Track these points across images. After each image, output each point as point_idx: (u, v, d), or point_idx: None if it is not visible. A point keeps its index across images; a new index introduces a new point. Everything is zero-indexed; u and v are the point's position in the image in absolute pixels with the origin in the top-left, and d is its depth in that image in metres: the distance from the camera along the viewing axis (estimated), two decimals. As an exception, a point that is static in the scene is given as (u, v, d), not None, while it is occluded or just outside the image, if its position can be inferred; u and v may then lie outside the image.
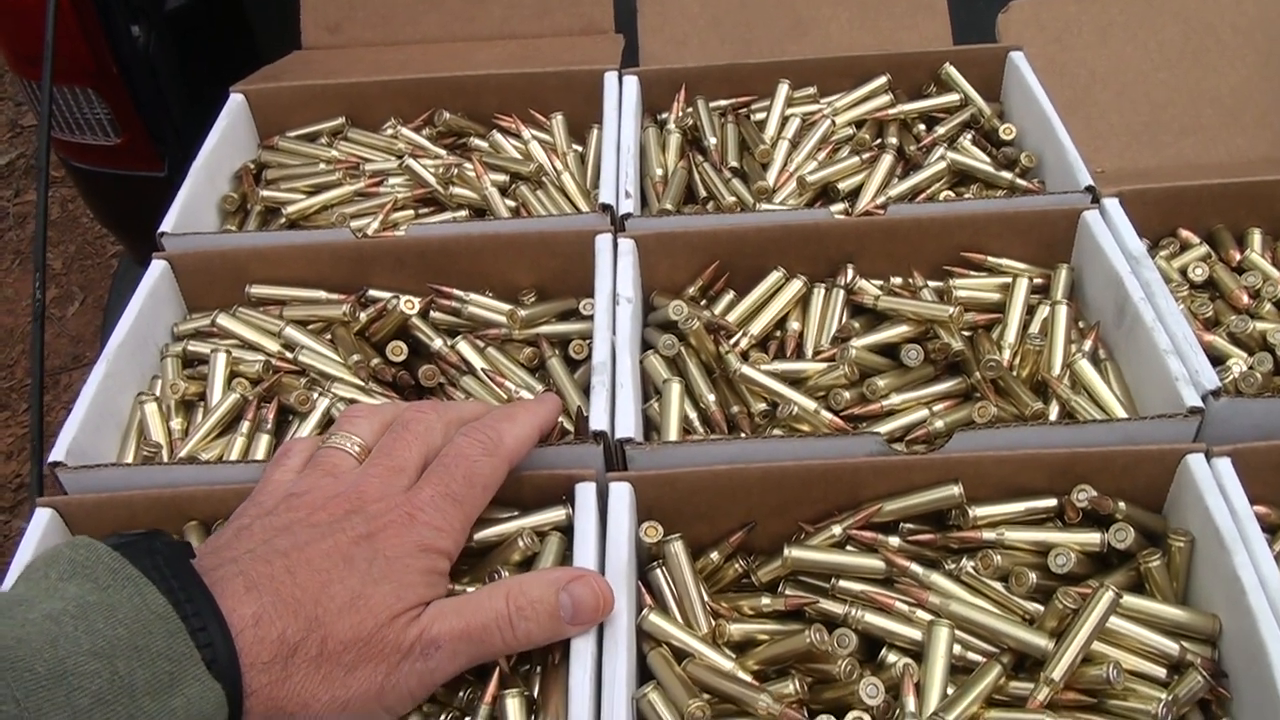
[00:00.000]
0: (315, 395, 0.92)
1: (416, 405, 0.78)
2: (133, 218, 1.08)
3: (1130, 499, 0.81)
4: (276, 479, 0.73)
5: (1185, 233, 1.05)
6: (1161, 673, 0.74)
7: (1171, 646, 0.74)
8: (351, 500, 0.69)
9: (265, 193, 1.15)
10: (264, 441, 0.91)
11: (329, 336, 1.00)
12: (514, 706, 0.69)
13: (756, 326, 0.98)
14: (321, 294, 1.03)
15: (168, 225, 1.05)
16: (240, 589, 0.62)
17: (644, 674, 0.76)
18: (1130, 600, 0.75)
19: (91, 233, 2.97)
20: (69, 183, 2.91)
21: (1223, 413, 0.81)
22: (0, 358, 2.73)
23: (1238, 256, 1.03)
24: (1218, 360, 0.92)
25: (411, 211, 1.14)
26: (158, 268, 1.02)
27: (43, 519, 0.82)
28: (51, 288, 2.85)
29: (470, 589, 0.72)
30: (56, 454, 0.85)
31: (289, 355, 0.97)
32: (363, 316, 1.00)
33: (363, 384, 0.95)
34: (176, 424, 0.94)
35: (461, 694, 0.72)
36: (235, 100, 1.23)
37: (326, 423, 0.92)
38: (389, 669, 0.64)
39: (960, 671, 0.74)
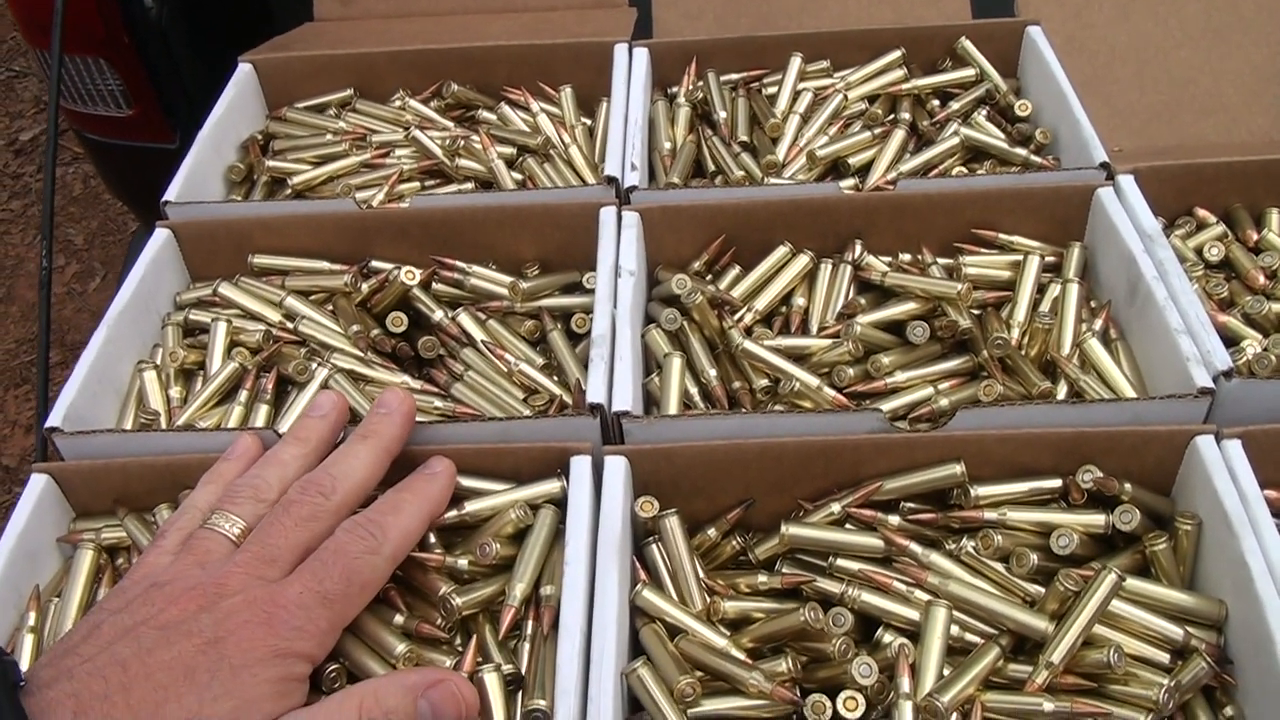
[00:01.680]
0: (314, 365, 0.92)
1: (308, 479, 0.71)
2: (145, 190, 1.08)
3: (1137, 481, 0.79)
4: (149, 562, 0.68)
5: (1202, 212, 1.03)
6: (1165, 658, 0.73)
7: (1176, 631, 0.73)
8: (208, 594, 0.62)
9: (271, 163, 1.15)
10: (262, 411, 0.91)
11: (331, 307, 0.99)
12: (491, 682, 0.68)
13: (761, 302, 0.96)
14: (324, 264, 1.02)
15: (172, 194, 1.04)
16: (69, 715, 0.56)
17: (636, 650, 0.75)
18: (1134, 583, 0.74)
19: (114, 209, 2.97)
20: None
21: (1234, 394, 0.80)
22: (23, 332, 2.75)
23: (1255, 236, 1.00)
24: (1232, 341, 0.90)
25: (417, 183, 1.13)
26: (161, 236, 1.01)
27: (38, 484, 0.82)
28: (73, 263, 2.87)
29: (324, 696, 0.65)
30: (54, 419, 0.84)
31: (289, 325, 0.96)
32: (364, 287, 0.99)
33: (362, 355, 0.94)
34: (175, 392, 0.94)
35: (448, 663, 0.72)
36: (243, 70, 1.22)
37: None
38: None
39: (958, 653, 0.73)
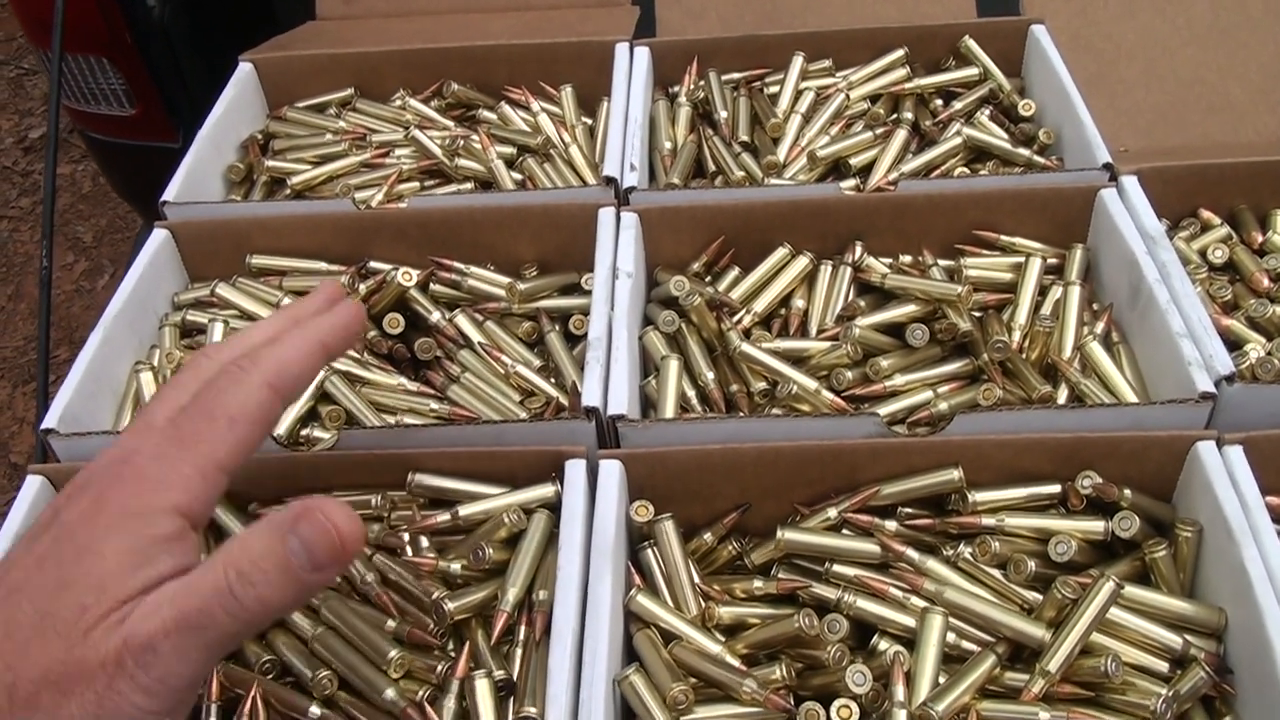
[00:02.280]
0: (310, 367, 0.91)
1: (227, 355, 0.61)
2: (148, 188, 1.07)
3: (1138, 487, 0.78)
4: None
5: (1206, 213, 1.01)
6: (1164, 667, 0.72)
7: (1175, 640, 0.72)
8: (72, 486, 0.55)
9: (271, 163, 1.14)
10: (258, 413, 0.90)
11: (328, 308, 0.98)
12: (482, 688, 0.67)
13: (760, 304, 0.95)
14: (322, 265, 1.02)
15: (170, 194, 1.04)
16: None
17: (630, 656, 0.75)
18: (1132, 591, 0.73)
19: (123, 206, 2.98)
20: (100, 155, 2.92)
21: (1237, 399, 0.79)
22: (32, 329, 2.75)
23: (1260, 239, 0.99)
24: (1235, 345, 0.89)
25: (417, 183, 1.13)
26: (159, 236, 1.01)
27: (34, 486, 0.81)
28: (82, 260, 2.87)
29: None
30: (49, 421, 0.84)
31: (286, 326, 0.96)
32: (362, 288, 0.98)
33: (359, 356, 0.94)
34: (172, 394, 0.94)
35: (440, 668, 0.71)
36: (244, 69, 1.22)
37: (321, 395, 0.91)
38: (99, 696, 0.49)
39: (954, 661, 0.72)
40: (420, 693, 0.70)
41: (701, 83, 1.17)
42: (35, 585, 0.51)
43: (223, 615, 0.50)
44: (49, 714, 0.48)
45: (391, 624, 0.74)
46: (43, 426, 0.84)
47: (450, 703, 0.70)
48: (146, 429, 0.56)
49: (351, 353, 0.94)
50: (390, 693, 0.69)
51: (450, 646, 0.76)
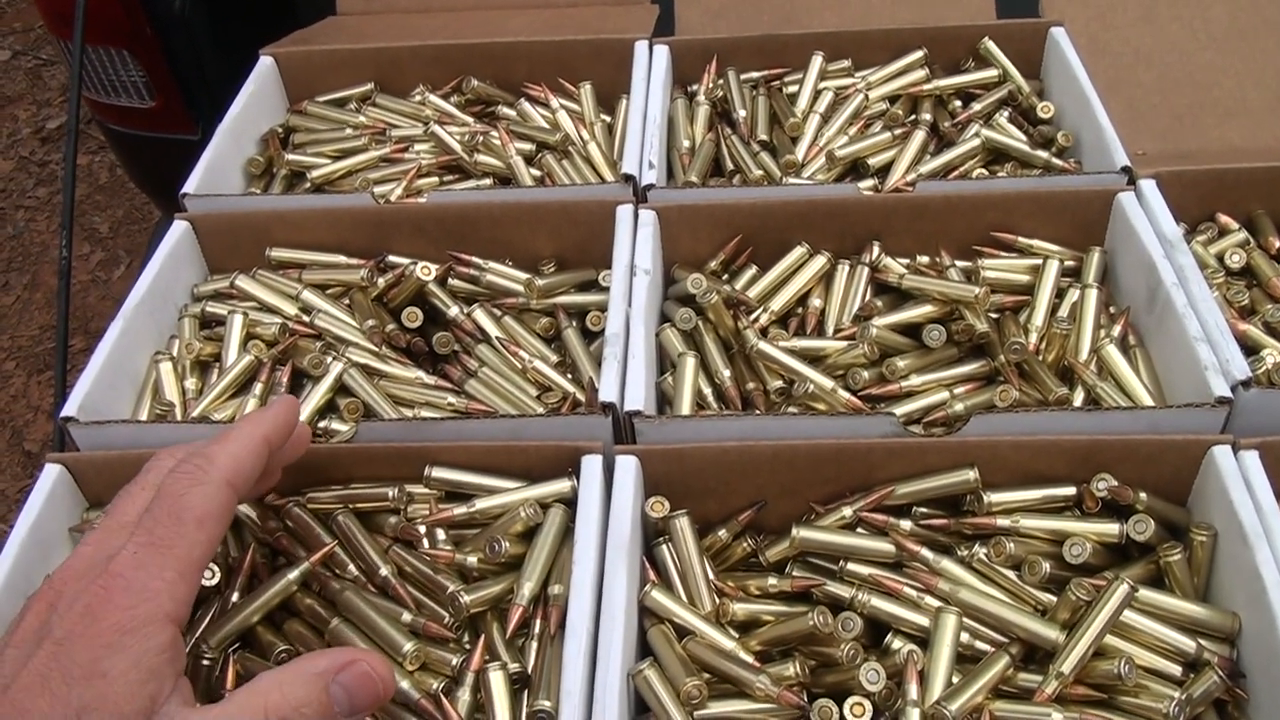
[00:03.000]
0: (329, 359, 0.92)
1: (183, 457, 0.63)
2: (167, 180, 1.08)
3: (1153, 490, 0.78)
4: None
5: (1224, 218, 1.01)
6: (1177, 670, 0.72)
7: (1188, 644, 0.72)
8: (53, 591, 0.56)
9: (291, 156, 1.15)
10: (277, 405, 0.91)
11: (347, 301, 0.99)
12: (497, 680, 0.68)
13: (777, 302, 0.96)
14: (341, 258, 1.02)
15: (190, 186, 1.05)
16: None
17: (644, 651, 0.75)
18: (1147, 594, 0.73)
19: (140, 197, 2.99)
20: (118, 146, 2.93)
21: (1253, 404, 0.79)
22: (48, 318, 2.77)
23: (1277, 244, 0.99)
24: (1252, 350, 0.89)
25: (436, 178, 1.13)
26: (179, 228, 1.02)
27: (52, 474, 0.82)
28: (98, 251, 2.88)
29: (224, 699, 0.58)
30: (69, 409, 0.85)
31: (306, 319, 0.96)
32: (381, 282, 0.99)
33: (377, 349, 0.94)
34: (191, 384, 0.94)
35: (455, 660, 0.72)
36: (265, 63, 1.22)
37: (339, 388, 0.91)
38: None
39: (968, 661, 0.72)
40: (435, 685, 0.71)
41: (720, 81, 1.17)
42: (44, 709, 0.51)
43: None
44: None
45: (407, 616, 0.74)
46: (62, 414, 0.85)
47: (465, 695, 0.70)
48: (119, 529, 0.59)
49: (370, 346, 0.94)
50: (405, 685, 0.70)
51: (465, 640, 0.76)
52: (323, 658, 0.58)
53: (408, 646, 0.71)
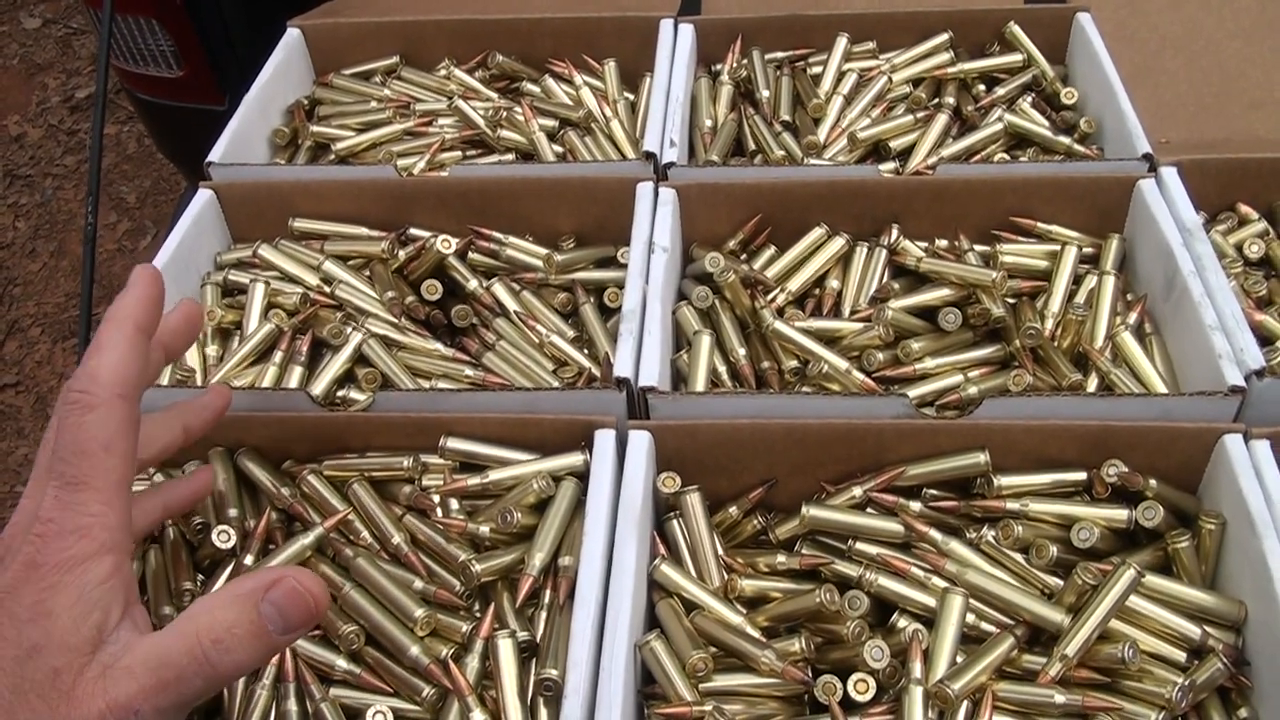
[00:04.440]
0: (349, 329, 0.93)
1: (65, 389, 0.60)
2: (193, 150, 1.09)
3: (1164, 477, 0.78)
4: None
5: (1244, 207, 1.01)
6: (1181, 656, 0.72)
7: (1193, 630, 0.72)
8: (1, 547, 0.57)
9: (316, 128, 1.16)
10: (296, 373, 0.92)
11: (368, 273, 1.00)
12: (505, 647, 0.69)
13: (795, 283, 0.96)
14: (363, 230, 1.03)
15: (215, 155, 1.06)
16: None
17: (651, 624, 0.76)
18: (1153, 580, 0.73)
19: (167, 168, 3.01)
20: (146, 116, 2.95)
21: (1266, 393, 0.79)
22: (74, 286, 2.80)
23: (1298, 235, 0.99)
24: (1268, 340, 0.89)
25: (459, 152, 1.14)
26: (203, 197, 1.03)
27: (75, 436, 0.83)
28: (125, 220, 2.91)
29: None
30: (92, 374, 0.86)
31: (327, 289, 0.97)
32: (401, 254, 1.00)
33: (396, 321, 0.95)
34: (212, 350, 0.96)
35: (465, 628, 0.73)
36: (292, 35, 1.23)
37: (358, 358, 0.92)
38: None
39: (973, 642, 0.73)
40: (445, 651, 0.72)
41: (744, 61, 1.17)
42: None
43: (198, 680, 0.54)
44: None
45: (419, 584, 0.75)
46: (87, 378, 0.86)
47: (474, 662, 0.71)
48: (35, 483, 0.60)
49: (389, 317, 0.95)
50: (415, 650, 0.71)
51: (475, 608, 0.77)
52: (249, 579, 0.57)
53: (419, 612, 0.72)
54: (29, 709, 0.52)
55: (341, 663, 0.73)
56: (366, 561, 0.76)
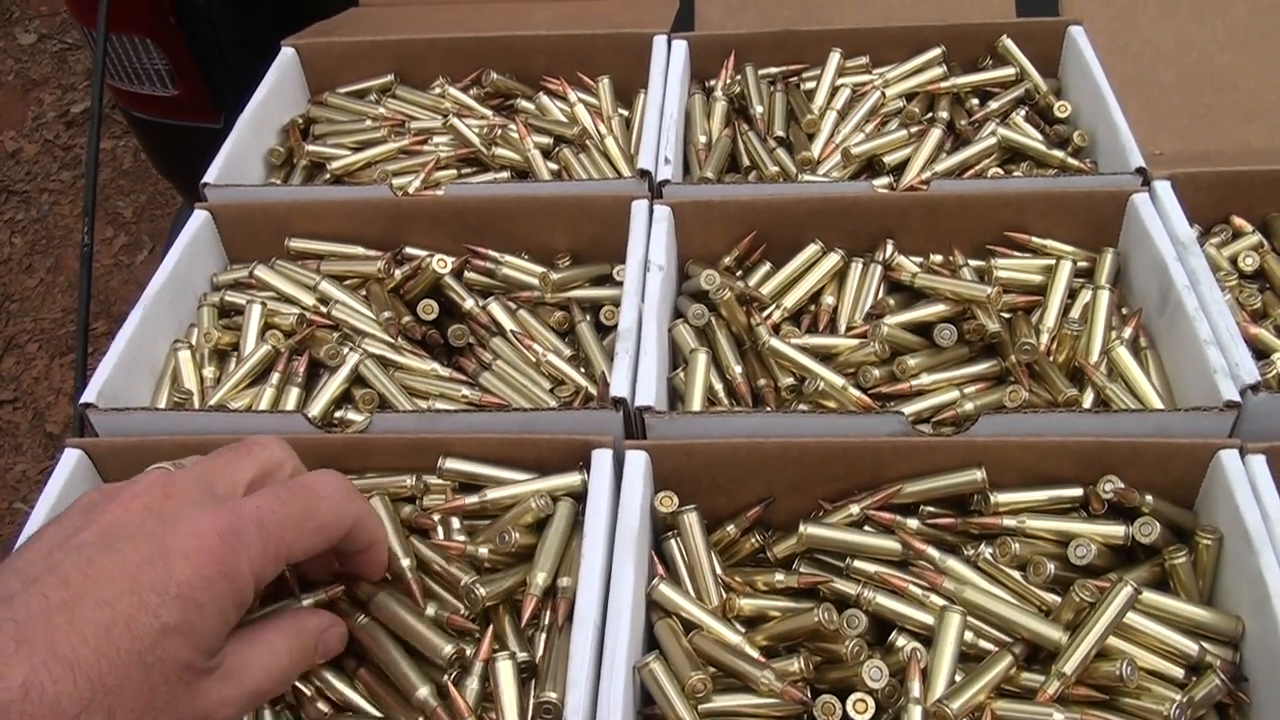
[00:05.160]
0: (345, 350, 0.93)
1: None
2: (189, 168, 1.09)
3: (1160, 493, 0.78)
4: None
5: (1238, 220, 1.01)
6: (1179, 673, 0.72)
7: (1191, 647, 0.72)
8: (155, 493, 0.57)
9: (311, 147, 1.16)
10: (293, 394, 0.92)
11: (364, 293, 1.00)
12: (505, 669, 0.69)
13: (790, 299, 0.96)
14: (359, 250, 1.03)
15: (211, 176, 1.06)
16: (9, 644, 0.48)
17: (651, 644, 0.76)
18: (1151, 597, 0.73)
19: (163, 183, 3.01)
20: (142, 131, 2.95)
21: (1262, 408, 0.79)
22: (71, 301, 2.79)
23: (1292, 247, 0.99)
24: (1263, 354, 0.89)
25: (454, 171, 1.14)
26: (199, 218, 1.03)
27: (71, 459, 0.83)
28: (122, 235, 2.91)
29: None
30: (89, 395, 0.86)
31: (323, 309, 0.98)
32: (397, 274, 1.00)
33: (393, 341, 0.95)
34: (209, 372, 0.96)
35: (467, 651, 0.72)
36: (286, 54, 1.24)
37: (355, 379, 0.92)
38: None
39: (971, 660, 0.73)
40: (446, 676, 0.72)
41: (738, 77, 1.17)
42: (135, 606, 0.52)
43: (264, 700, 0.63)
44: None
45: (431, 610, 0.75)
46: (82, 401, 0.86)
47: (474, 684, 0.71)
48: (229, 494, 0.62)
49: (386, 337, 0.95)
50: (424, 691, 0.70)
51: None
52: (315, 617, 0.66)
53: (448, 649, 0.70)
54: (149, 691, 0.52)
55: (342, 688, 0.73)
56: (386, 595, 0.75)
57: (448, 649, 0.71)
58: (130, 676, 0.50)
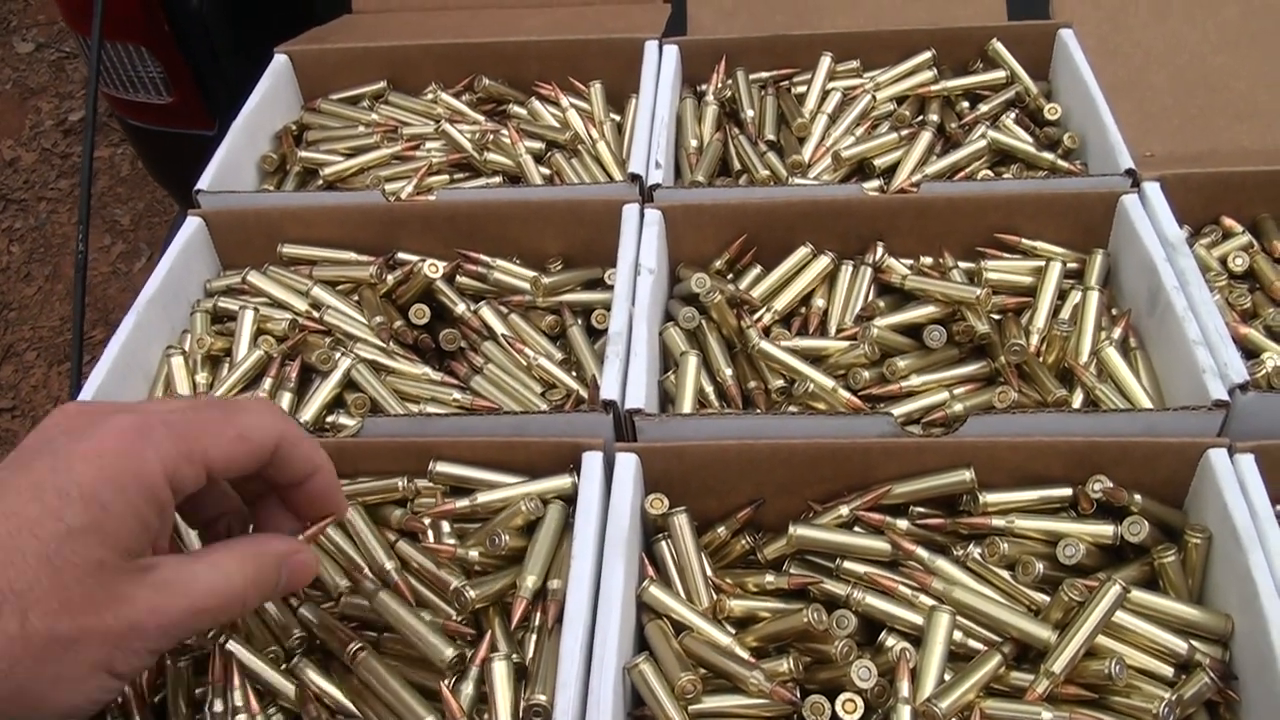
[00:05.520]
0: (338, 355, 0.93)
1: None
2: (184, 175, 1.10)
3: (1149, 492, 0.79)
4: None
5: (1228, 221, 1.01)
6: (1168, 671, 0.72)
7: (1180, 645, 0.72)
8: (73, 411, 0.58)
9: (304, 154, 1.16)
10: (286, 399, 0.92)
11: (356, 298, 1.00)
12: (501, 670, 0.69)
13: (781, 302, 0.96)
14: (351, 255, 1.04)
15: (204, 183, 1.06)
16: None
17: (641, 646, 0.76)
18: (1140, 595, 0.74)
19: (161, 191, 3.01)
20: (139, 139, 2.96)
21: (1250, 407, 0.79)
22: (68, 309, 2.80)
23: (1281, 247, 0.99)
24: (1253, 354, 0.89)
25: (446, 176, 1.14)
26: (192, 224, 1.03)
27: (64, 466, 0.83)
28: (119, 243, 2.91)
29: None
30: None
31: (315, 314, 0.98)
32: (389, 279, 1.00)
33: (384, 345, 0.96)
34: (202, 378, 0.96)
35: (466, 654, 0.73)
36: (279, 61, 1.24)
37: (347, 383, 0.93)
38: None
39: (960, 659, 0.73)
40: (445, 682, 0.72)
41: (729, 81, 1.18)
42: (40, 513, 0.52)
43: (219, 620, 0.60)
44: (66, 646, 0.53)
45: (426, 616, 0.75)
46: (76, 407, 0.86)
47: (468, 687, 0.71)
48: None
49: (378, 342, 0.96)
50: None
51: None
52: (278, 541, 0.63)
53: (449, 653, 0.71)
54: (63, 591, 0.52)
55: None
56: (389, 596, 0.75)
57: (449, 652, 0.71)
58: (39, 578, 0.51)
